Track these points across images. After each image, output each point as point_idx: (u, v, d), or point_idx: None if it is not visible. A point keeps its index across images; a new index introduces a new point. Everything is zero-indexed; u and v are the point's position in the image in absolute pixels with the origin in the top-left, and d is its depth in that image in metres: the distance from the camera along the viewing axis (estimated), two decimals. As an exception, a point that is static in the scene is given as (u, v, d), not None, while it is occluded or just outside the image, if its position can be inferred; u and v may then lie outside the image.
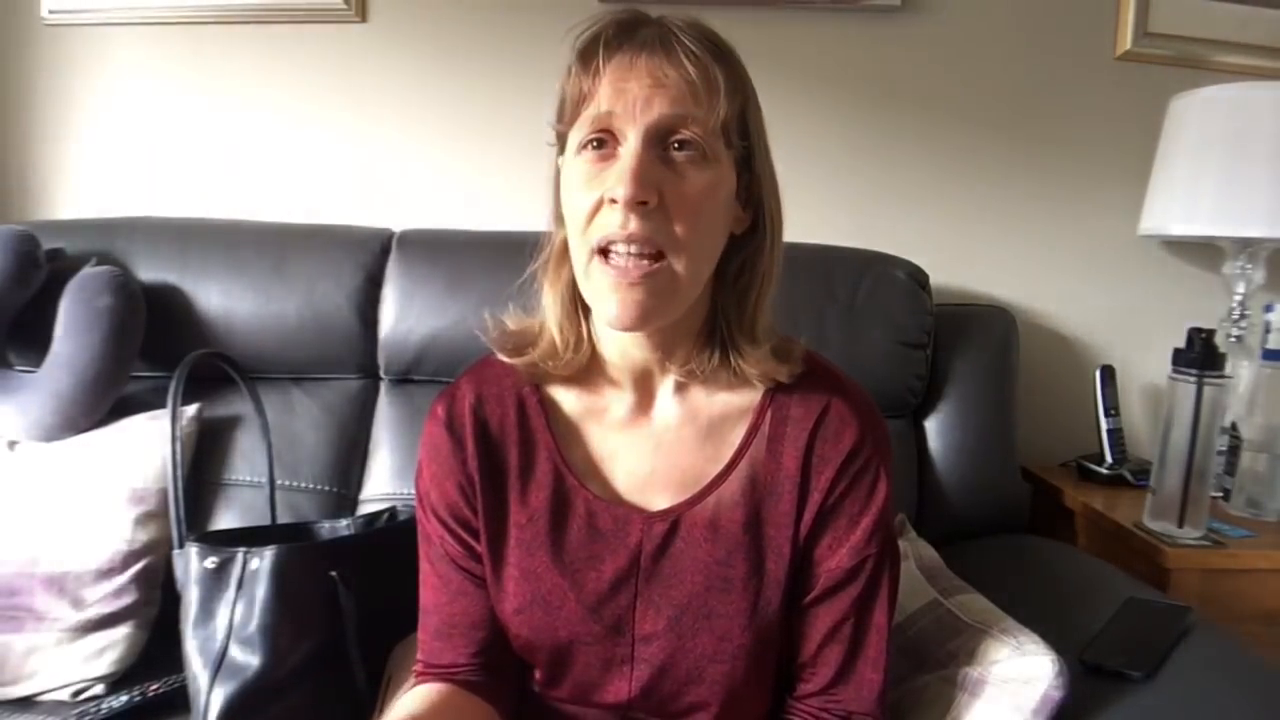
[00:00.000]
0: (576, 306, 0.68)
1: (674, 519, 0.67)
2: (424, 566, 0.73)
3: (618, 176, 0.58)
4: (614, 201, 0.58)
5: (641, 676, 0.66)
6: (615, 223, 0.58)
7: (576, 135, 0.62)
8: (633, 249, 0.59)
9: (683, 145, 0.59)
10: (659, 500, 0.68)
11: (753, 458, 0.67)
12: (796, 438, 0.67)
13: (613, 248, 0.59)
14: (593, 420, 0.70)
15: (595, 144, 0.60)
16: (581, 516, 0.68)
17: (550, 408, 0.71)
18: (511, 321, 0.72)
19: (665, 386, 0.69)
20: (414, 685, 0.72)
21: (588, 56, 0.61)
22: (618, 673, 0.67)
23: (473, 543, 0.70)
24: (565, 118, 0.63)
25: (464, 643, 0.71)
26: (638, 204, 0.57)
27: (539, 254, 0.70)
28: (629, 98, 0.58)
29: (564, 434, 0.70)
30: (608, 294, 0.60)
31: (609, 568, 0.67)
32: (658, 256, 0.59)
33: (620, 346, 0.67)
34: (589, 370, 0.70)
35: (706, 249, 0.63)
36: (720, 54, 0.61)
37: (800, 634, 0.68)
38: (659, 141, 0.59)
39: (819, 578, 0.66)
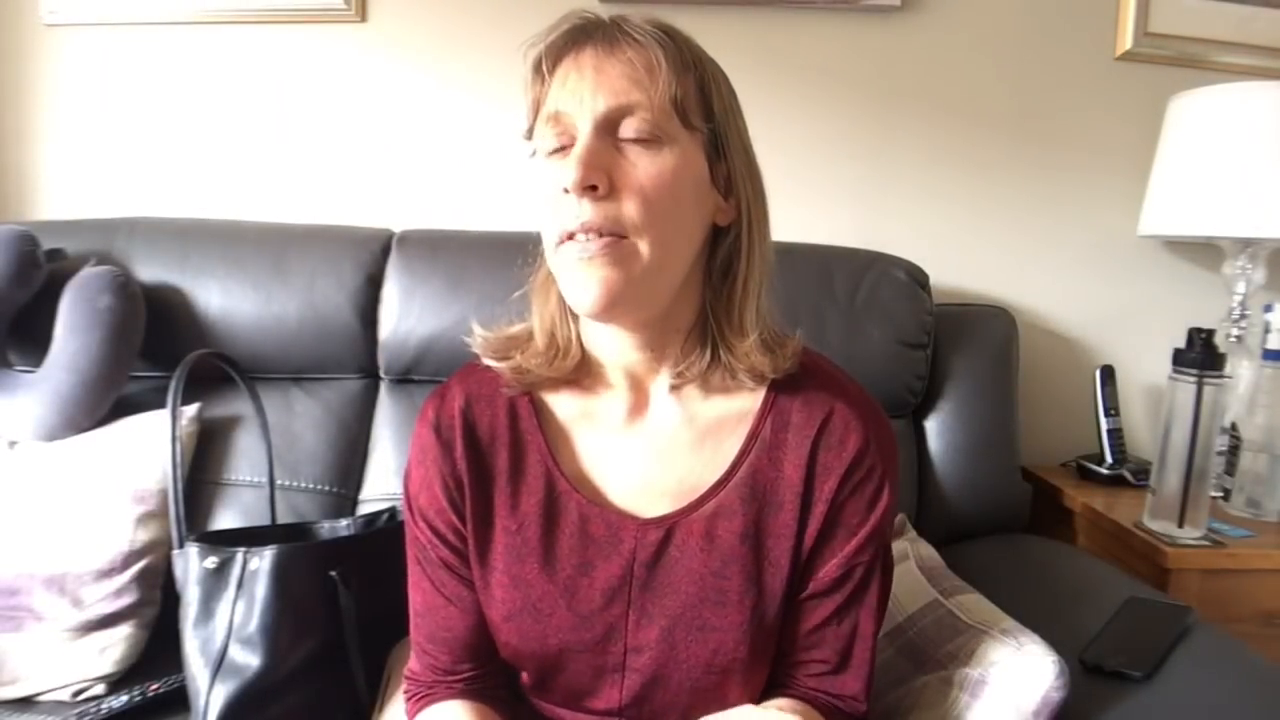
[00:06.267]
0: (565, 312, 0.68)
1: (668, 527, 0.65)
2: (414, 570, 0.71)
3: (568, 164, 0.58)
4: (567, 191, 0.58)
5: (633, 686, 0.65)
6: (571, 212, 0.58)
7: (538, 140, 0.62)
8: (590, 237, 0.58)
9: (633, 132, 0.59)
10: (654, 507, 0.66)
11: (753, 465, 0.66)
12: (799, 445, 0.65)
13: (574, 237, 0.59)
14: (586, 423, 0.68)
15: (555, 146, 0.61)
16: (574, 523, 0.66)
17: (542, 410, 0.69)
18: (498, 328, 0.71)
19: (659, 389, 0.67)
20: (424, 705, 0.70)
21: (537, 64, 0.61)
22: (608, 680, 0.66)
23: (461, 548, 0.68)
24: (528, 127, 0.64)
25: (460, 646, 0.69)
26: (587, 188, 0.57)
27: (535, 267, 0.70)
28: (575, 95, 0.59)
29: (556, 437, 0.68)
30: (571, 275, 0.60)
31: (601, 575, 0.65)
32: (620, 238, 0.59)
33: (611, 347, 0.67)
34: (581, 373, 0.69)
35: (671, 231, 0.60)
36: (665, 38, 0.60)
37: (786, 630, 0.67)
38: (609, 132, 0.59)
39: (808, 583, 0.66)
